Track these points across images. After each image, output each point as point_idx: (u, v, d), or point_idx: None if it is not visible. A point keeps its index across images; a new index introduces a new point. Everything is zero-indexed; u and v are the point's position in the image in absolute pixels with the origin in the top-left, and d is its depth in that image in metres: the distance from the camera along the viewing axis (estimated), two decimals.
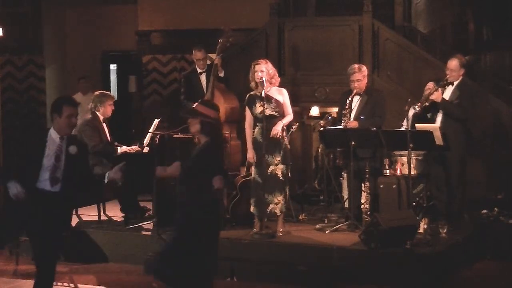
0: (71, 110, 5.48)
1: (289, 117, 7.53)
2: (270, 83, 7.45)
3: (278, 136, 7.35)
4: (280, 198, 7.42)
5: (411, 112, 7.62)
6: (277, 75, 7.61)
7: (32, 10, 12.40)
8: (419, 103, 7.57)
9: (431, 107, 7.71)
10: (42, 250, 5.46)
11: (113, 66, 14.02)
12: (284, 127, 7.48)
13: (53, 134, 5.50)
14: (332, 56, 9.80)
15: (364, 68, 7.93)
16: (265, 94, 7.32)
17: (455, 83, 7.71)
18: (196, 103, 5.72)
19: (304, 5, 11.29)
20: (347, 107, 7.79)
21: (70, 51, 13.54)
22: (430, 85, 7.87)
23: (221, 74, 8.67)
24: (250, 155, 7.60)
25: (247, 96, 7.58)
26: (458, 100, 7.62)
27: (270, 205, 7.41)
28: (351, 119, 7.79)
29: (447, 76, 7.68)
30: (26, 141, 5.75)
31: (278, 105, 7.43)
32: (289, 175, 7.53)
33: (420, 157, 7.89)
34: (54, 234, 5.47)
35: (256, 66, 7.46)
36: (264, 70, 7.41)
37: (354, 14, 10.04)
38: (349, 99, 7.78)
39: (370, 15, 9.66)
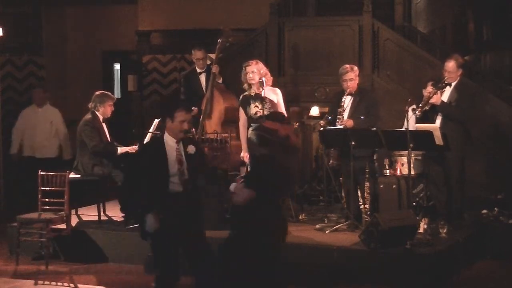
0: (184, 116, 5.58)
1: None
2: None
3: None
4: None
5: (411, 112, 7.62)
6: (269, 74, 7.60)
7: (32, 10, 12.41)
8: (419, 109, 7.56)
9: (430, 109, 7.70)
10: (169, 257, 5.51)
11: (117, 66, 14.04)
12: None
13: (169, 140, 5.58)
14: (332, 56, 9.80)
15: (356, 68, 7.92)
16: (252, 96, 7.39)
17: (453, 84, 7.69)
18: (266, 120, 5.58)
19: (304, 5, 11.30)
20: (342, 104, 7.79)
21: (70, 51, 13.55)
22: (429, 88, 7.85)
23: (220, 81, 8.69)
24: (244, 154, 7.65)
25: (241, 96, 7.61)
26: (456, 101, 7.61)
27: None
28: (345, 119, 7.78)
29: (445, 78, 7.67)
30: (144, 156, 5.72)
31: (273, 105, 7.43)
32: None
33: (419, 157, 7.88)
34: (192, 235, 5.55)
35: (247, 67, 7.49)
36: (255, 70, 7.44)
37: (354, 14, 10.05)
38: (344, 98, 7.78)
39: (370, 15, 9.67)
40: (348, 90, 7.79)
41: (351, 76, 7.78)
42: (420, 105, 7.61)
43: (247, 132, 7.54)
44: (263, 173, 5.21)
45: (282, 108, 7.53)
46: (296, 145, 5.40)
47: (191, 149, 5.64)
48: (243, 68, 7.54)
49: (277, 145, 5.22)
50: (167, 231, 5.45)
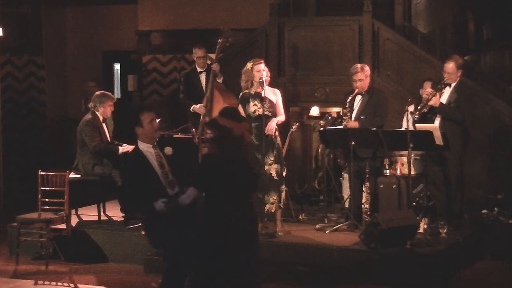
0: (150, 116, 5.56)
1: (282, 117, 7.56)
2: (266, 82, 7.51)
3: (272, 132, 7.37)
4: (275, 197, 7.43)
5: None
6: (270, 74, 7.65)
7: (32, 10, 12.40)
8: (417, 111, 7.56)
9: (429, 110, 7.70)
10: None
11: (117, 66, 14.05)
12: (276, 127, 7.50)
13: (144, 147, 5.55)
14: (332, 56, 9.79)
15: (367, 68, 7.91)
16: (251, 94, 7.41)
17: (453, 84, 7.69)
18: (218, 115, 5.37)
19: (304, 5, 11.28)
20: (347, 106, 7.79)
21: (70, 51, 13.55)
22: (428, 89, 7.83)
23: (220, 80, 8.71)
24: None
25: (241, 94, 7.62)
26: (455, 102, 7.61)
27: (267, 205, 7.41)
28: (352, 119, 7.78)
29: (445, 79, 7.67)
30: (130, 169, 5.62)
31: (272, 105, 7.45)
32: (284, 174, 7.52)
33: (418, 157, 7.87)
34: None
35: (255, 66, 7.47)
36: (265, 68, 7.49)
37: (354, 14, 10.04)
38: (349, 98, 7.78)
39: (370, 15, 9.66)
40: (356, 90, 7.78)
41: (361, 77, 7.77)
42: (419, 107, 7.61)
43: None
44: (218, 173, 5.07)
45: (280, 109, 7.54)
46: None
47: (168, 150, 5.63)
48: (250, 65, 7.53)
49: (231, 142, 5.11)
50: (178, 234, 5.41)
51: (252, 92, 7.45)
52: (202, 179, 5.14)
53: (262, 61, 7.58)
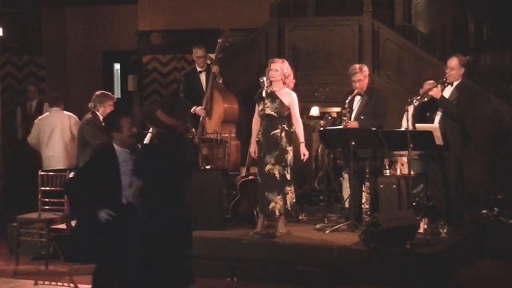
0: (129, 121, 5.44)
1: (300, 127, 7.53)
2: (284, 83, 7.50)
3: (307, 157, 7.53)
4: (278, 198, 7.42)
5: (410, 112, 7.62)
6: (292, 76, 7.61)
7: (32, 10, 12.40)
8: (418, 97, 7.57)
9: (430, 106, 7.70)
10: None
11: (117, 66, 14.06)
12: (286, 128, 7.47)
13: (119, 150, 5.43)
14: (332, 56, 9.80)
15: (365, 68, 7.92)
16: (266, 93, 7.38)
17: (455, 83, 7.69)
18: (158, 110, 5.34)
19: (304, 5, 11.28)
20: (346, 106, 7.80)
21: (70, 51, 13.55)
22: (430, 82, 7.87)
23: (220, 81, 8.73)
24: (252, 149, 7.71)
25: (258, 91, 7.59)
26: (456, 100, 7.61)
27: (271, 203, 7.42)
28: (352, 119, 7.79)
29: (447, 75, 7.67)
30: (97, 163, 5.43)
31: (281, 106, 7.43)
32: (288, 176, 7.48)
33: (417, 157, 7.88)
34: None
35: (271, 64, 7.48)
36: (279, 69, 7.45)
37: (354, 14, 10.04)
38: (349, 99, 7.78)
39: (370, 15, 9.67)
40: (356, 91, 7.79)
41: (360, 77, 7.78)
42: (419, 97, 7.60)
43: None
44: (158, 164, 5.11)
45: (295, 113, 7.49)
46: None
47: None
48: (268, 64, 7.55)
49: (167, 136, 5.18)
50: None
51: (269, 91, 7.44)
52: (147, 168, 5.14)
53: (274, 61, 7.54)
